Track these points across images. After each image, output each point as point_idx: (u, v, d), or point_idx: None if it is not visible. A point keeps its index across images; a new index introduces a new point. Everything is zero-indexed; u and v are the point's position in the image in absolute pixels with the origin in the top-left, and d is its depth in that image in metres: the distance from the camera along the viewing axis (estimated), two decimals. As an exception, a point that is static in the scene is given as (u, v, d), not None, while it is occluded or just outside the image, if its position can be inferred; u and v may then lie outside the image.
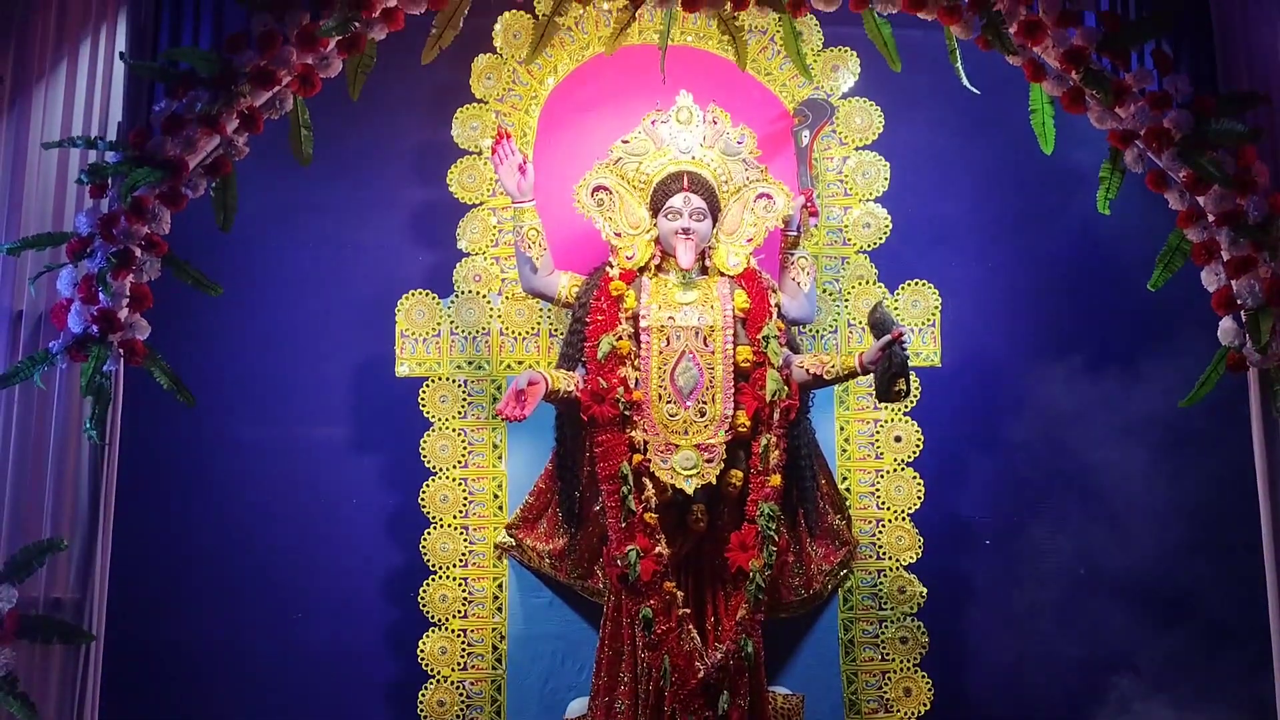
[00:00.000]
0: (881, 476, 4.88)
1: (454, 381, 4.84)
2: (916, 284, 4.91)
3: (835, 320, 4.91)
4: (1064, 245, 5.03)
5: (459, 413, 4.84)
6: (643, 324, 4.38)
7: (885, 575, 4.81)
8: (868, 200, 4.93)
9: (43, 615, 4.26)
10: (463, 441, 4.83)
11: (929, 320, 4.89)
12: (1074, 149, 4.73)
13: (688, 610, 4.31)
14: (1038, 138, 4.51)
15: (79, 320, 4.28)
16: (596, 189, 4.51)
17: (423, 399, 4.83)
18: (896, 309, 4.87)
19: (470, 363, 4.85)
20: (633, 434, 4.34)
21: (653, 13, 4.73)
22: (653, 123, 4.57)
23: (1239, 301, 4.37)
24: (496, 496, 4.80)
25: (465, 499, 4.79)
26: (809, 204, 4.63)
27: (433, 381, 4.84)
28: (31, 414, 4.37)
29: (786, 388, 4.40)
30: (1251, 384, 4.49)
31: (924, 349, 4.86)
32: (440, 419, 4.84)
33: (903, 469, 4.89)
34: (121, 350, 4.34)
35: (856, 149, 4.95)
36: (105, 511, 4.38)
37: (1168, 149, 4.40)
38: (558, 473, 4.58)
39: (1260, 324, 4.33)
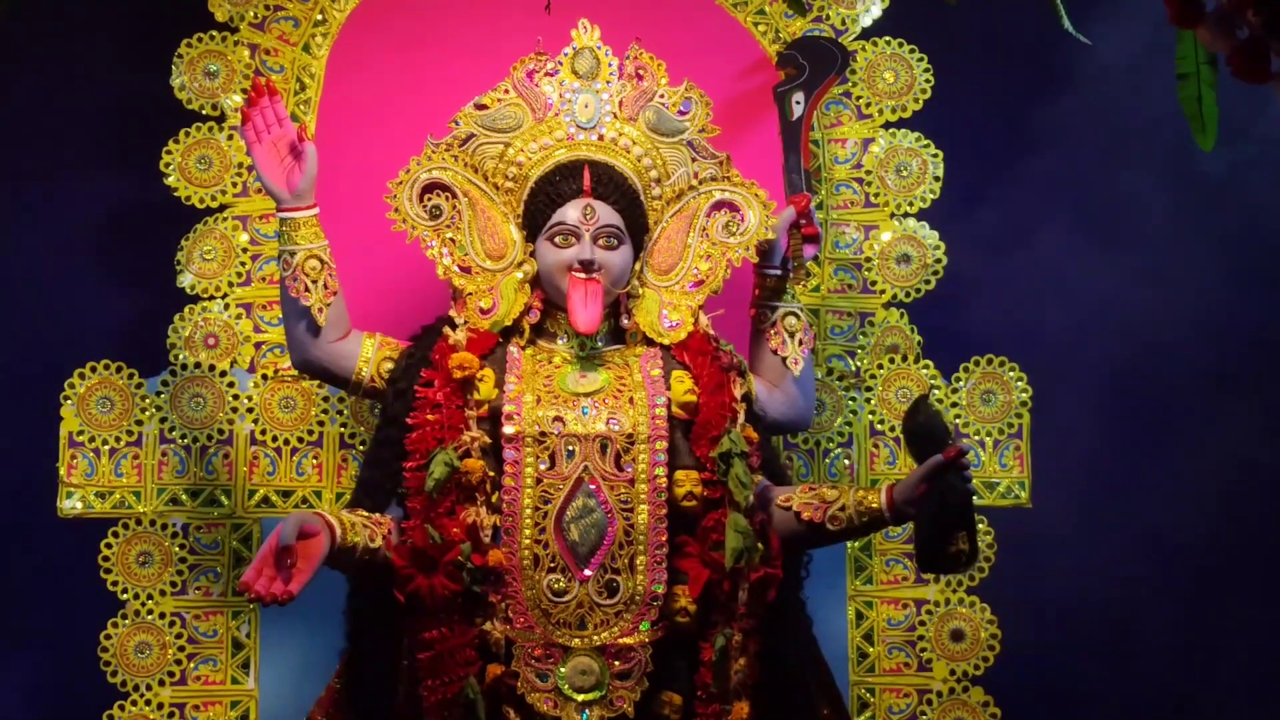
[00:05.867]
0: (928, 703, 3.78)
1: (164, 528, 3.76)
2: (989, 361, 3.82)
3: (849, 425, 3.83)
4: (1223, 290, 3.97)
5: (171, 584, 3.74)
6: (507, 429, 3.35)
7: None
8: (905, 214, 3.83)
9: None
10: (177, 635, 3.74)
11: (1012, 427, 3.83)
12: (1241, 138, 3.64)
13: None
14: (1190, 123, 3.27)
15: None
16: (430, 188, 3.48)
17: (107, 559, 3.73)
18: (954, 408, 3.83)
19: (195, 494, 3.76)
20: (488, 627, 3.31)
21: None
22: (529, 74, 3.51)
23: None
24: (238, 736, 3.74)
25: (180, 740, 3.73)
26: (804, 219, 3.52)
27: (126, 527, 3.76)
28: None
29: (761, 545, 3.36)
30: None
31: (1003, 477, 3.83)
32: (138, 594, 3.75)
33: (965, 690, 3.76)
34: None
35: (886, 125, 3.84)
36: None
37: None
38: (349, 696, 3.48)
39: None
